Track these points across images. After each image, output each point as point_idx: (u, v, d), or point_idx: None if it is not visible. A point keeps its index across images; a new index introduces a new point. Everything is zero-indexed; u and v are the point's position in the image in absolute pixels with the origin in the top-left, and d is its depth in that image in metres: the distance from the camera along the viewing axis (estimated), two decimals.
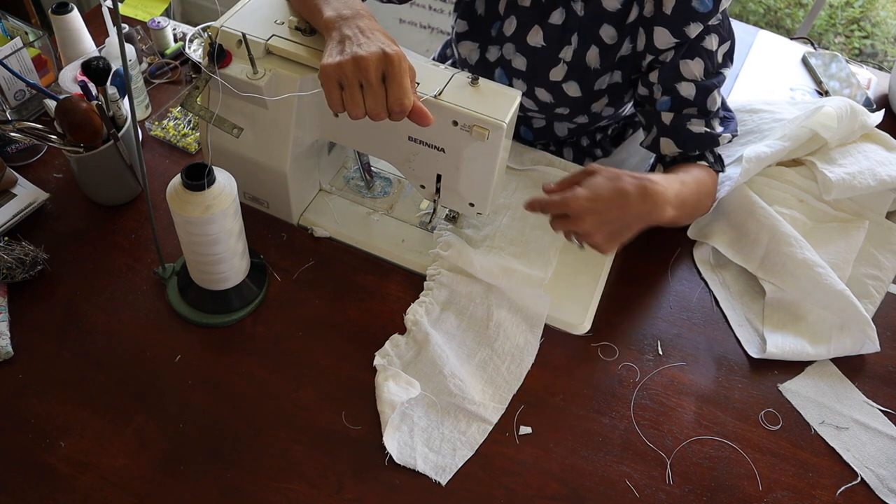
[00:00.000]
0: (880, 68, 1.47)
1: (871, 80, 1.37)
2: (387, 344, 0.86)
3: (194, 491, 0.75)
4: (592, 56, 0.98)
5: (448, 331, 0.88)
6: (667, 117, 0.94)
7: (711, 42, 0.91)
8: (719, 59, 0.93)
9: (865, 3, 2.80)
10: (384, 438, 0.78)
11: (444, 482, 0.77)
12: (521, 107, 1.08)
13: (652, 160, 1.05)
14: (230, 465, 0.77)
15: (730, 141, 0.95)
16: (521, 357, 0.87)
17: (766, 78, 1.36)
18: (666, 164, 0.99)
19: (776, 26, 2.77)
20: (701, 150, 0.94)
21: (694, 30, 0.89)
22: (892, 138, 1.10)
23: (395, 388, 0.81)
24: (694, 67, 0.91)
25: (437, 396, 0.82)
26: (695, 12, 0.88)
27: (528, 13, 0.98)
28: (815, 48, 1.45)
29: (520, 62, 1.02)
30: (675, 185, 0.86)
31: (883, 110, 1.13)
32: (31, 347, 0.84)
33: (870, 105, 1.30)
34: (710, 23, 0.89)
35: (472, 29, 1.04)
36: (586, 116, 1.06)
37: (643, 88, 0.96)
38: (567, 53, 0.99)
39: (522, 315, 0.90)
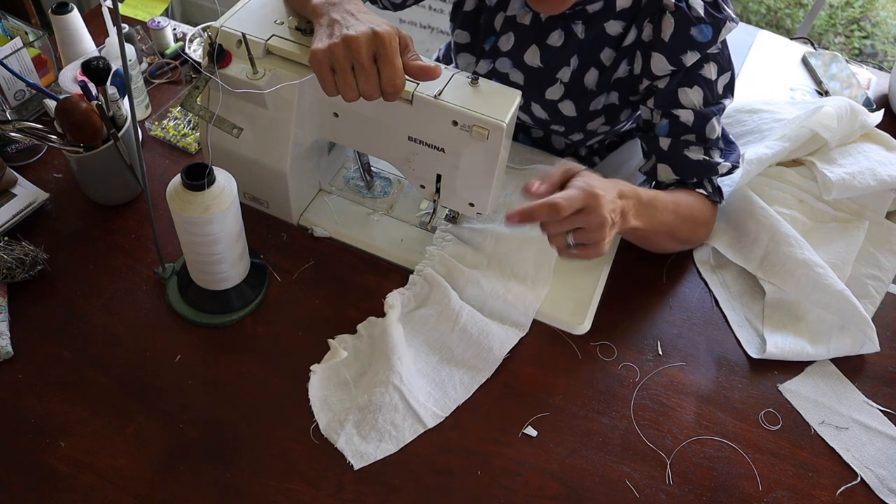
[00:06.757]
0: (880, 68, 1.47)
1: (871, 80, 1.37)
2: (360, 325, 0.88)
3: (194, 491, 0.75)
4: (591, 78, 0.98)
5: (415, 327, 0.88)
6: (665, 143, 0.93)
7: (710, 71, 0.90)
8: (720, 89, 0.92)
9: (865, 3, 2.80)
10: (311, 400, 0.81)
11: (356, 467, 0.77)
12: (519, 118, 1.08)
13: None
14: (230, 465, 0.77)
15: (729, 171, 0.94)
16: (475, 373, 0.86)
17: (766, 78, 1.36)
18: (663, 190, 0.98)
19: (776, 26, 2.77)
20: (698, 177, 0.93)
21: (691, 58, 0.88)
22: (892, 138, 1.10)
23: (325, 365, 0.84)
24: (693, 96, 0.90)
25: (388, 378, 0.81)
26: (693, 41, 0.87)
27: (527, 31, 0.97)
28: (815, 48, 1.45)
29: (517, 77, 1.02)
30: (648, 192, 0.86)
31: (883, 110, 1.13)
32: (31, 347, 0.84)
33: (870, 105, 1.30)
34: (708, 51, 0.88)
35: (473, 42, 1.03)
36: (581, 134, 1.06)
37: (645, 111, 0.96)
38: (565, 74, 0.98)
39: (493, 332, 0.88)
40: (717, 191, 0.95)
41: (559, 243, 0.79)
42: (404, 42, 0.74)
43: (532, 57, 0.98)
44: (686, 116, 0.91)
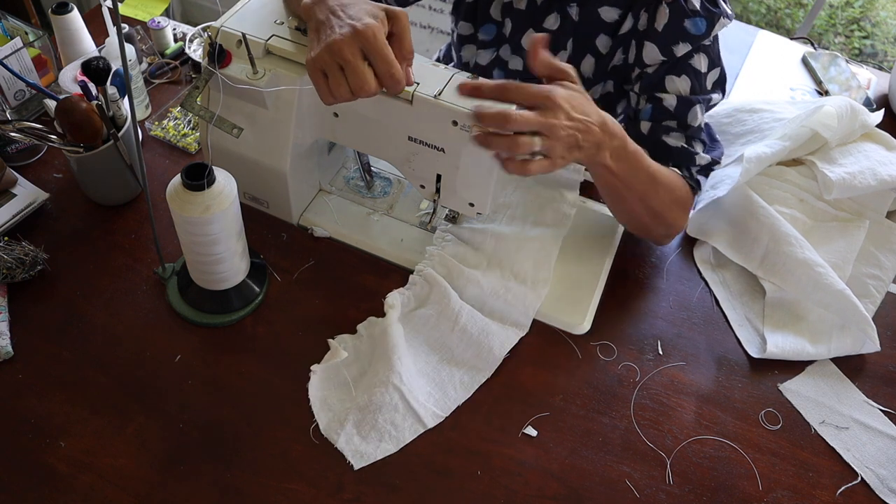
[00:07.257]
0: (880, 68, 1.47)
1: (871, 80, 1.37)
2: (360, 326, 0.88)
3: (194, 491, 0.75)
4: (587, 65, 0.98)
5: (415, 327, 0.88)
6: (645, 126, 0.93)
7: (700, 62, 0.90)
8: (708, 84, 0.91)
9: (865, 3, 2.80)
10: (311, 398, 0.81)
11: (356, 467, 0.77)
12: None
13: None
14: (230, 465, 0.77)
15: (708, 166, 0.93)
16: (475, 373, 0.86)
17: (766, 78, 1.36)
18: None
19: (776, 26, 2.77)
20: (676, 164, 0.93)
21: (682, 49, 0.88)
22: (892, 138, 1.10)
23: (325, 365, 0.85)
24: (679, 84, 0.90)
25: (388, 378, 0.81)
26: (686, 33, 0.87)
27: (523, 16, 0.97)
28: (815, 48, 1.45)
29: (516, 63, 1.02)
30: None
31: (883, 110, 1.13)
32: (31, 347, 0.84)
33: (870, 105, 1.30)
34: (700, 43, 0.88)
35: (475, 33, 1.04)
36: None
37: (633, 97, 0.96)
38: (561, 59, 0.98)
39: (493, 332, 0.88)
40: (695, 180, 0.93)
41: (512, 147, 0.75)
42: (400, 25, 0.74)
43: (528, 41, 0.98)
44: (669, 101, 0.90)
